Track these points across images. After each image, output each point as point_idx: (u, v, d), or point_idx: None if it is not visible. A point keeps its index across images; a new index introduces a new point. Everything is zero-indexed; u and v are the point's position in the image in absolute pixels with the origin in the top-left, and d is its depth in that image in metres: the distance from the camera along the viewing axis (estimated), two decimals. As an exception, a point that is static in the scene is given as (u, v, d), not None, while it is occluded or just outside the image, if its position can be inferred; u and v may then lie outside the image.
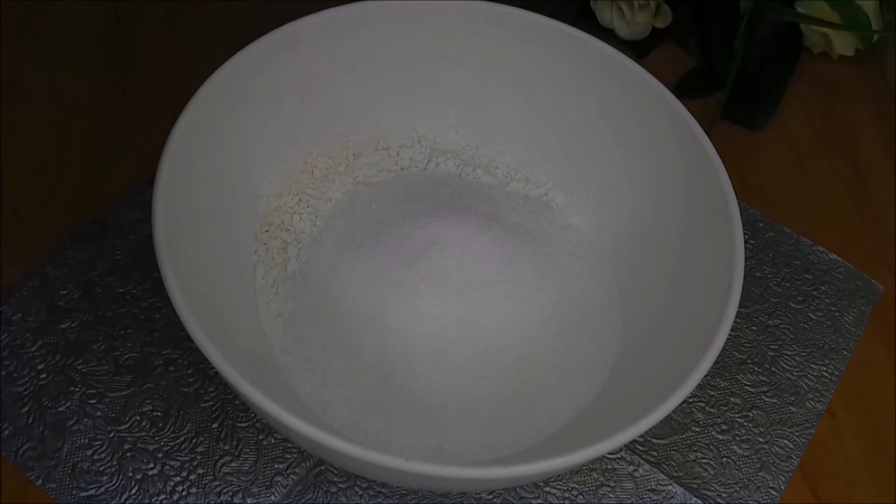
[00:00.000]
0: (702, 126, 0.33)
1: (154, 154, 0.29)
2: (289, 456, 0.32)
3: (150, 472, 0.32)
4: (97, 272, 0.37)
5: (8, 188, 0.40)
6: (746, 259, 0.34)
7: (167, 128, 0.30)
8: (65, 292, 0.36)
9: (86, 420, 0.33)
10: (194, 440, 0.33)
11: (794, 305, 0.39)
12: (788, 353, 0.38)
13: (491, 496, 0.32)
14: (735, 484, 0.33)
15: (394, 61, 0.37)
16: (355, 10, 0.35)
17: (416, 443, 0.29)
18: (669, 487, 0.33)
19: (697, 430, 0.35)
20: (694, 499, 0.33)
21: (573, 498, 0.33)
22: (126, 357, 0.34)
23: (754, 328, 0.38)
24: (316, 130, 0.37)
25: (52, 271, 0.36)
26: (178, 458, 0.32)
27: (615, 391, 0.31)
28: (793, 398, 0.36)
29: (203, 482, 0.32)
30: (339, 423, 0.30)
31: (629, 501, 0.33)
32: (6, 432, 0.32)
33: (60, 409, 0.33)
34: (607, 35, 0.49)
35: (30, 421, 0.32)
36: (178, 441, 0.32)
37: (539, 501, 0.32)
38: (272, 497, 0.31)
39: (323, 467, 0.32)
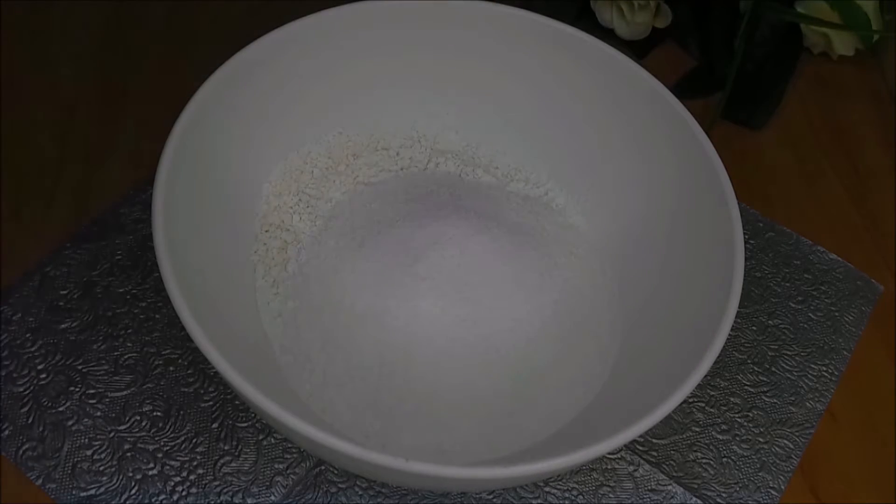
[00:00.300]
0: (702, 126, 0.33)
1: (154, 154, 0.29)
2: (289, 456, 0.32)
3: (150, 472, 0.32)
4: (97, 272, 0.37)
5: (8, 188, 0.40)
6: (746, 259, 0.34)
7: (167, 128, 0.30)
8: (65, 292, 0.36)
9: (86, 420, 0.33)
10: (194, 440, 0.33)
11: (794, 305, 0.39)
12: (788, 353, 0.38)
13: (491, 496, 0.32)
14: (735, 484, 0.33)
15: (394, 61, 0.37)
16: (355, 10, 0.35)
17: (416, 443, 0.29)
18: (669, 487, 0.33)
19: (697, 430, 0.35)
20: (694, 499, 0.33)
21: (573, 498, 0.33)
22: (126, 357, 0.34)
23: (754, 328, 0.38)
24: (316, 130, 0.37)
25: (52, 271, 0.36)
26: (178, 458, 0.32)
27: (615, 391, 0.31)
28: (793, 398, 0.36)
29: (203, 482, 0.32)
30: (339, 423, 0.30)
31: (629, 501, 0.33)
32: (6, 432, 0.32)
33: (60, 409, 0.33)
34: (607, 35, 0.49)
35: (30, 421, 0.32)
36: (178, 441, 0.32)
37: (539, 501, 0.32)
38: (272, 497, 0.31)
39: (323, 467, 0.32)
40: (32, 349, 0.34)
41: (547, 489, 0.33)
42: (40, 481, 0.31)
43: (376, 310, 0.31)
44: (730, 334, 0.27)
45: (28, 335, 0.35)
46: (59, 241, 0.38)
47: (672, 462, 0.34)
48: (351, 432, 0.29)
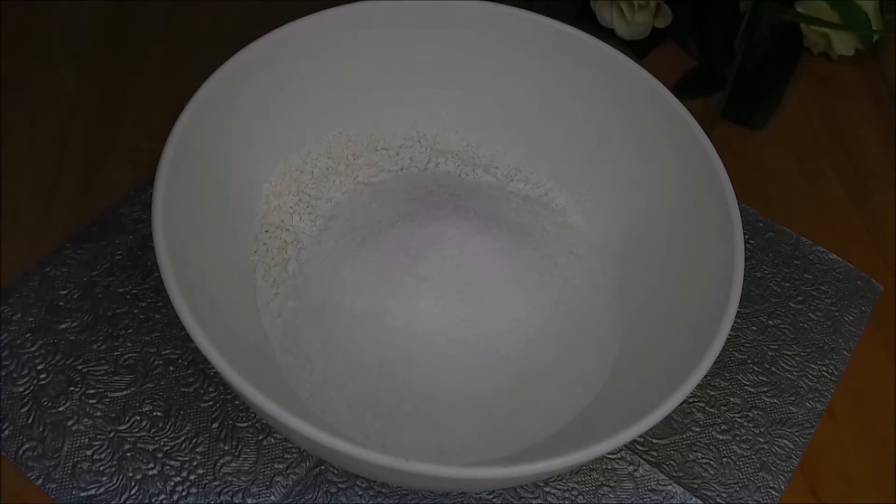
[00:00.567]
0: (702, 126, 0.33)
1: (154, 154, 0.29)
2: (289, 456, 0.32)
3: (150, 472, 0.32)
4: (97, 272, 0.37)
5: (8, 188, 0.40)
6: (746, 259, 0.34)
7: (167, 128, 0.30)
8: (65, 292, 0.36)
9: (86, 420, 0.33)
10: (194, 440, 0.33)
11: (794, 305, 0.39)
12: (788, 353, 0.38)
13: (491, 496, 0.32)
14: (735, 484, 0.33)
15: (394, 61, 0.37)
16: (355, 10, 0.35)
17: (416, 443, 0.29)
18: (669, 487, 0.33)
19: (697, 430, 0.35)
20: (694, 499, 0.33)
21: (573, 498, 0.33)
22: (126, 357, 0.34)
23: (754, 328, 0.38)
24: (316, 130, 0.37)
25: (52, 271, 0.36)
26: (178, 458, 0.32)
27: (615, 391, 0.31)
28: (793, 398, 0.36)
29: (203, 482, 0.32)
30: (339, 423, 0.30)
31: (629, 501, 0.33)
32: (6, 432, 0.32)
33: (60, 409, 0.33)
34: (607, 35, 0.49)
35: (30, 421, 0.32)
36: (178, 441, 0.32)
37: (539, 501, 0.32)
38: (272, 497, 0.31)
39: (323, 467, 0.32)
40: (32, 349, 0.34)
41: (547, 489, 0.33)
42: (40, 481, 0.31)
43: (376, 310, 0.31)
44: (730, 334, 0.27)
45: (28, 335, 0.35)
46: (59, 241, 0.38)
47: (672, 462, 0.34)
48: (351, 432, 0.29)
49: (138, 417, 0.33)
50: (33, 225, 0.39)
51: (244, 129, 0.34)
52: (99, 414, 0.33)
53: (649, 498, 0.33)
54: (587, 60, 0.35)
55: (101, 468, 0.32)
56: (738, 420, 0.35)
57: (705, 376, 0.26)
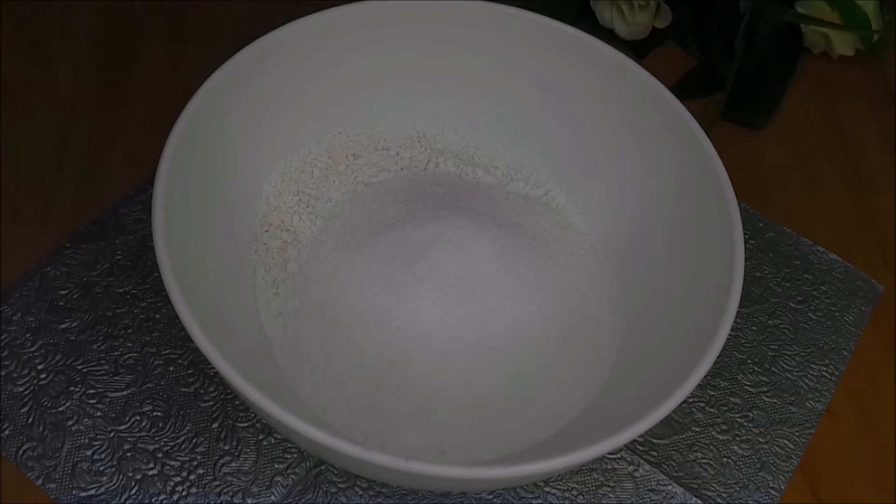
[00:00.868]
0: (702, 126, 0.33)
1: (154, 154, 0.29)
2: (289, 456, 0.32)
3: (150, 472, 0.32)
4: (97, 272, 0.37)
5: (8, 188, 0.40)
6: (746, 259, 0.34)
7: (167, 128, 0.30)
8: (65, 292, 0.36)
9: (86, 420, 0.33)
10: (194, 440, 0.33)
11: (794, 305, 0.39)
12: (788, 353, 0.38)
13: (491, 496, 0.32)
14: (735, 484, 0.33)
15: (394, 61, 0.37)
16: (355, 10, 0.35)
17: (416, 443, 0.29)
18: (669, 487, 0.33)
19: (697, 430, 0.35)
20: (694, 499, 0.33)
21: (573, 498, 0.33)
22: (126, 357, 0.34)
23: (754, 328, 0.38)
24: (316, 130, 0.37)
25: (52, 271, 0.36)
26: (178, 458, 0.32)
27: (615, 391, 0.31)
28: (793, 398, 0.36)
29: (203, 482, 0.32)
30: (339, 423, 0.30)
31: (629, 501, 0.33)
32: (6, 432, 0.32)
33: (60, 409, 0.33)
34: (607, 35, 0.49)
35: (30, 421, 0.32)
36: (178, 441, 0.32)
37: (539, 501, 0.32)
38: (272, 497, 0.31)
39: (323, 467, 0.32)
40: (32, 349, 0.34)
41: (547, 489, 0.33)
42: (40, 481, 0.31)
43: (376, 310, 0.31)
44: (730, 334, 0.27)
45: (28, 335, 0.35)
46: (59, 241, 0.38)
47: (672, 462, 0.34)
48: (351, 432, 0.29)
49: (138, 417, 0.33)
50: (33, 225, 0.39)
51: (244, 129, 0.34)
52: (99, 414, 0.33)
53: (649, 498, 0.33)
54: (587, 60, 0.35)
55: (101, 468, 0.32)
56: (739, 420, 0.35)
57: (705, 376, 0.26)
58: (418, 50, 0.37)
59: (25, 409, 0.33)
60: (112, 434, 0.32)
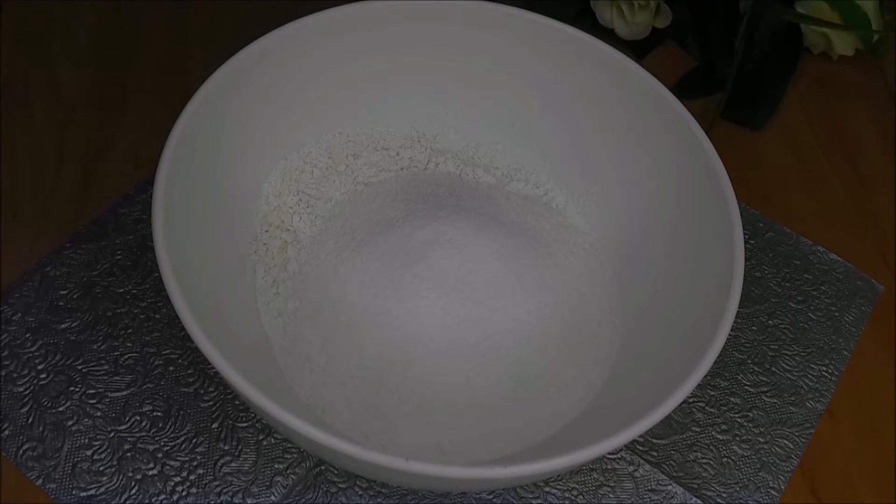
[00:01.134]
0: (702, 126, 0.33)
1: (154, 154, 0.29)
2: (289, 456, 0.32)
3: (150, 472, 0.32)
4: (97, 272, 0.37)
5: (8, 188, 0.40)
6: (746, 259, 0.34)
7: (167, 127, 0.30)
8: (65, 292, 0.36)
9: (86, 420, 0.33)
10: (194, 440, 0.33)
11: (794, 305, 0.39)
12: (788, 353, 0.38)
13: (491, 496, 0.32)
14: (735, 484, 0.33)
15: (394, 61, 0.37)
16: (355, 10, 0.35)
17: (416, 443, 0.29)
18: (669, 487, 0.33)
19: (697, 430, 0.35)
20: (694, 499, 0.33)
21: (573, 498, 0.33)
22: (126, 357, 0.34)
23: (754, 328, 0.38)
24: (316, 130, 0.37)
25: (52, 271, 0.36)
26: (178, 458, 0.32)
27: (615, 391, 0.31)
28: (793, 398, 0.36)
29: (203, 482, 0.32)
30: (339, 423, 0.30)
31: (629, 501, 0.33)
32: (6, 432, 0.32)
33: (60, 409, 0.33)
34: (607, 35, 0.49)
35: (30, 421, 0.32)
36: (178, 441, 0.32)
37: (539, 501, 0.32)
38: (272, 497, 0.31)
39: (323, 467, 0.32)
40: (32, 349, 0.34)
41: (547, 489, 0.33)
42: (40, 481, 0.31)
43: (376, 310, 0.31)
44: (730, 334, 0.27)
45: (28, 335, 0.35)
46: (59, 241, 0.38)
47: (672, 462, 0.34)
48: (351, 432, 0.29)
49: (138, 417, 0.33)
50: (33, 225, 0.39)
51: (244, 129, 0.34)
52: (99, 414, 0.33)
53: (649, 498, 0.33)
54: (587, 60, 0.35)
55: (101, 468, 0.32)
56: (738, 420, 0.35)
57: (705, 376, 0.26)
58: (418, 50, 0.37)
59: (25, 409, 0.33)
60: (112, 434, 0.32)
